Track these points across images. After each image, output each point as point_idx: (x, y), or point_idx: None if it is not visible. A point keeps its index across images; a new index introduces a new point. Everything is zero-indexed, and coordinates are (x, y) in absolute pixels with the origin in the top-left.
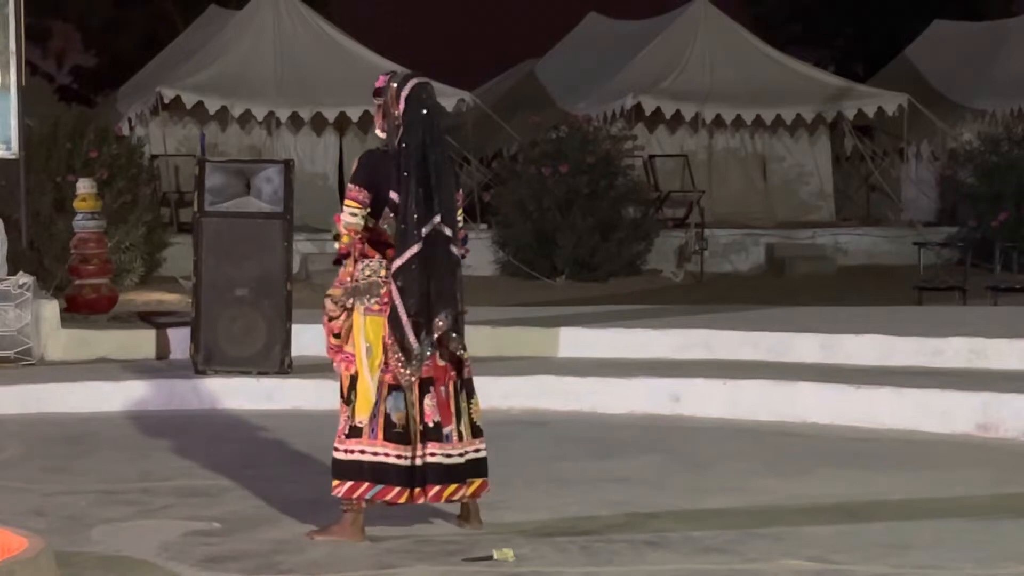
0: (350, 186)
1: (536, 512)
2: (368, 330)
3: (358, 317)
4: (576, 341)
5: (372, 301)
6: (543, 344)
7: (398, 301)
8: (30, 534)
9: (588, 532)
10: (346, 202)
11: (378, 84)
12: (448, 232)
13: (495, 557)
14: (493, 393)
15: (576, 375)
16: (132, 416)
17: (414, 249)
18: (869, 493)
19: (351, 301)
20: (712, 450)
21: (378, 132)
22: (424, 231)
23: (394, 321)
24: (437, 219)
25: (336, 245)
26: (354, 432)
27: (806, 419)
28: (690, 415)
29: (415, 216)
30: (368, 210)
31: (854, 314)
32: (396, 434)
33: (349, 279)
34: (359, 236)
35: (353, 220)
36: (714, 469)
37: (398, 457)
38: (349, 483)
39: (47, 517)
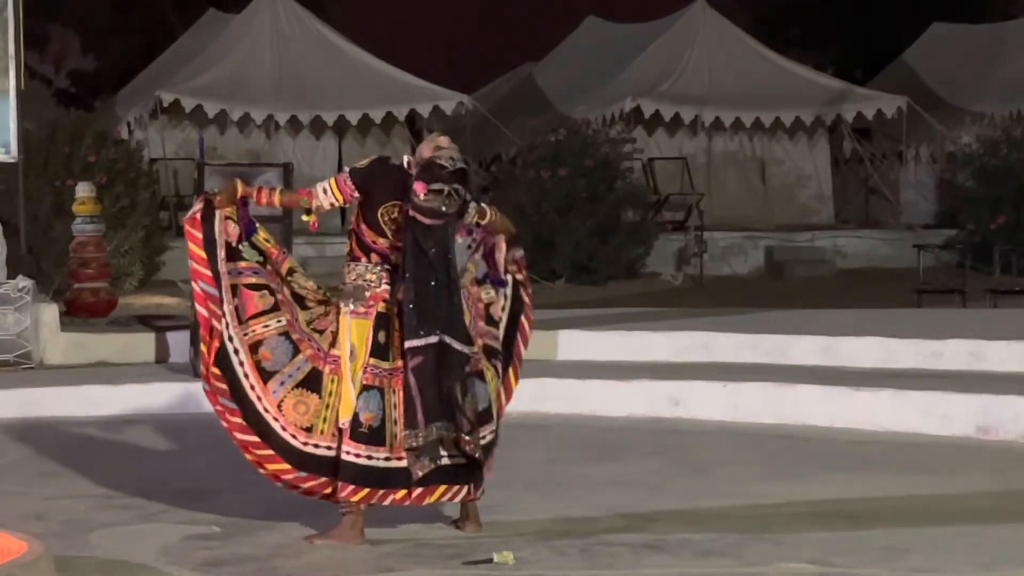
0: (346, 177)
1: (535, 515)
2: (353, 333)
3: (344, 319)
4: (575, 344)
5: (358, 304)
6: (542, 347)
7: (416, 396)
8: (29, 538)
9: (587, 535)
10: (332, 186)
11: (425, 159)
12: (449, 340)
13: (495, 560)
14: None
15: (575, 378)
16: (131, 420)
17: (414, 343)
18: (869, 496)
19: (338, 302)
20: (712, 453)
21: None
22: (422, 343)
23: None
24: (434, 339)
25: (305, 218)
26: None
27: (806, 422)
28: (690, 418)
29: (414, 320)
30: (346, 205)
31: (853, 317)
32: (361, 434)
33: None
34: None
35: (326, 206)
36: (714, 472)
37: (368, 458)
38: (348, 486)
39: (46, 521)
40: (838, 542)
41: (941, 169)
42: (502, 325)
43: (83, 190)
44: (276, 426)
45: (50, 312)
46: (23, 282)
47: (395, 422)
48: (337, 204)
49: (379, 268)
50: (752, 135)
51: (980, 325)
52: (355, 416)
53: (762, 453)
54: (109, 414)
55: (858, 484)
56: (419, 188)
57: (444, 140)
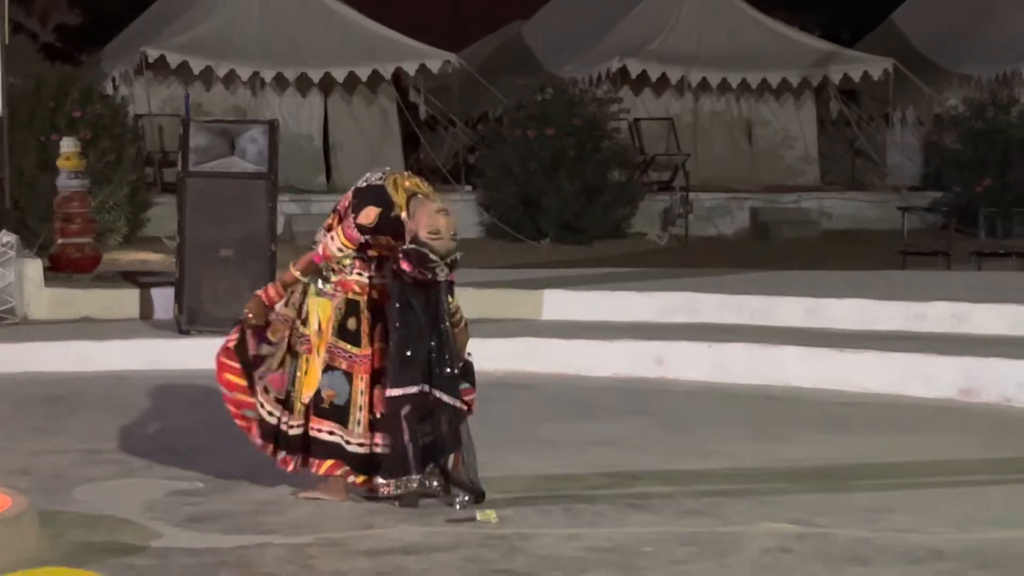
0: (356, 234)
1: (519, 474)
2: (319, 311)
3: (311, 300)
4: (560, 303)
5: (327, 285)
6: (527, 306)
7: (406, 445)
8: (13, 493)
9: (571, 494)
10: (344, 240)
11: (419, 241)
12: (439, 394)
13: (478, 518)
14: (476, 355)
15: (560, 337)
16: (115, 376)
17: (394, 392)
18: (851, 457)
19: (307, 279)
20: (695, 413)
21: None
22: (399, 393)
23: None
24: (414, 389)
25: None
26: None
27: (789, 383)
28: (674, 378)
29: (396, 368)
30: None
31: (838, 278)
32: (323, 409)
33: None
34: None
35: (339, 255)
36: (697, 432)
37: (330, 433)
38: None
39: (30, 476)
40: (820, 502)
41: (927, 131)
42: None
43: (68, 145)
44: (273, 420)
45: (34, 267)
46: (7, 237)
47: (360, 408)
48: (349, 254)
49: (354, 253)
50: (739, 96)
51: (964, 287)
52: (317, 392)
53: (746, 413)
54: (93, 370)
55: (841, 445)
56: (406, 266)
57: (443, 222)
